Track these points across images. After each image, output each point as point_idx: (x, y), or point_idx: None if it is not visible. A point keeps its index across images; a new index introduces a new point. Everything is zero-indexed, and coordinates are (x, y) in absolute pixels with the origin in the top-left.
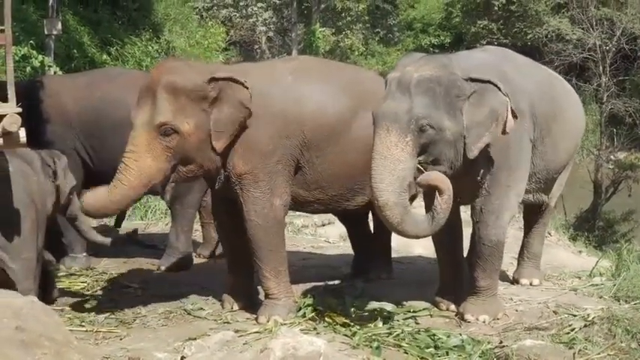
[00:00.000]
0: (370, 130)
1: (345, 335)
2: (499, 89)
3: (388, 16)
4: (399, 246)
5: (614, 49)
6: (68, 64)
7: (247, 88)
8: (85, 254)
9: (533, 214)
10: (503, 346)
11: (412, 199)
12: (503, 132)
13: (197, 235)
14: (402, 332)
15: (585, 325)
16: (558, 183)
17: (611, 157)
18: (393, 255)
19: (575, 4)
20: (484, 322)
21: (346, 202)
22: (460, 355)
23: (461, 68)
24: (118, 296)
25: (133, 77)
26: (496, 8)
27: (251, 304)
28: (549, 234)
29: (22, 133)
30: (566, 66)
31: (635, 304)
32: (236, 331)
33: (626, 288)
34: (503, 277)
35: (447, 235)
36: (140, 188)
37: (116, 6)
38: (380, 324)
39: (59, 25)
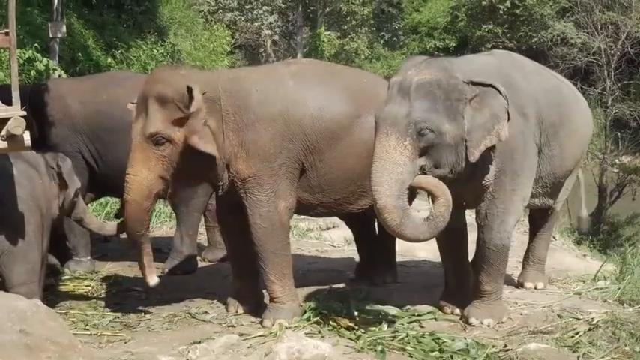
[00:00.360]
0: (371, 134)
1: (350, 339)
2: (500, 93)
3: (393, 20)
4: (404, 250)
5: (618, 53)
6: (73, 67)
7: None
8: (89, 258)
9: (539, 218)
10: (508, 350)
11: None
12: (504, 136)
13: (202, 238)
14: (407, 336)
15: (589, 329)
16: (565, 188)
17: (616, 160)
18: (398, 259)
19: (580, 8)
20: (489, 325)
21: (350, 205)
22: (465, 359)
23: (463, 72)
24: (122, 300)
25: (140, 81)
26: (501, 12)
27: (256, 307)
28: (554, 238)
29: (27, 136)
30: (571, 70)
31: (639, 307)
32: (241, 335)
33: (631, 292)
34: (508, 281)
35: (452, 239)
36: (144, 200)
37: (121, 9)
38: (384, 327)
39: (64, 28)
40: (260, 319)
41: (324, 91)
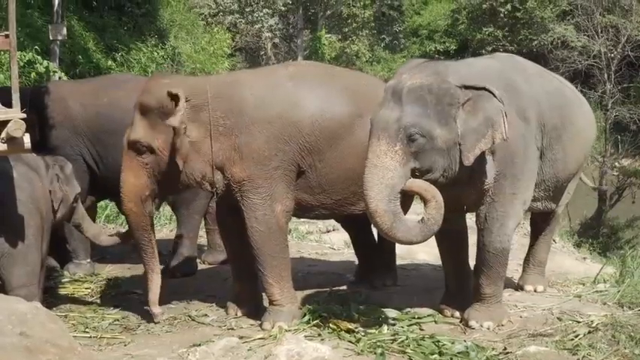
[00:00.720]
0: None
1: (350, 341)
2: (494, 96)
3: (394, 23)
4: (404, 252)
5: (619, 56)
6: (73, 69)
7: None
8: (89, 260)
9: (540, 221)
10: (508, 353)
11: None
12: (503, 139)
13: (202, 241)
14: (407, 338)
15: (589, 332)
16: (567, 191)
17: (616, 163)
18: (398, 261)
19: (580, 12)
20: (488, 328)
21: (351, 206)
22: None
23: (460, 75)
24: (122, 302)
25: (140, 83)
26: (502, 15)
27: (255, 310)
28: (554, 240)
29: (27, 139)
30: (571, 73)
31: (638, 310)
32: (240, 338)
33: (630, 294)
34: (508, 284)
35: (452, 242)
36: (135, 205)
37: (122, 12)
38: (384, 330)
39: (64, 31)
40: (260, 322)
41: (324, 92)
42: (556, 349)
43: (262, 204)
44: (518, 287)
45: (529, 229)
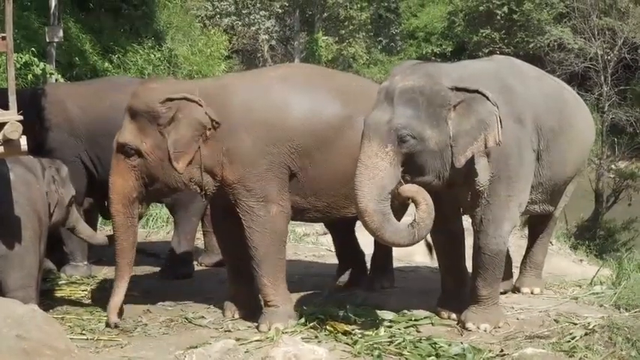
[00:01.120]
0: None
1: (347, 344)
2: (487, 98)
3: (391, 25)
4: (401, 255)
5: (615, 58)
6: (70, 71)
7: (202, 106)
8: (86, 262)
9: (538, 224)
10: (505, 355)
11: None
12: (497, 142)
13: (199, 243)
14: (404, 341)
15: (586, 334)
16: (565, 194)
17: (612, 166)
18: (395, 263)
19: (577, 14)
20: (485, 330)
21: (344, 209)
22: None
23: (454, 77)
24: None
25: None
26: (498, 17)
27: (252, 312)
28: (550, 243)
29: (24, 141)
30: (568, 75)
31: (635, 312)
32: (237, 340)
33: (627, 296)
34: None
35: (449, 244)
36: (123, 207)
37: (118, 13)
38: (381, 332)
39: (61, 33)
40: (257, 324)
41: (313, 94)
42: (553, 351)
43: (257, 205)
44: (515, 289)
45: (526, 231)
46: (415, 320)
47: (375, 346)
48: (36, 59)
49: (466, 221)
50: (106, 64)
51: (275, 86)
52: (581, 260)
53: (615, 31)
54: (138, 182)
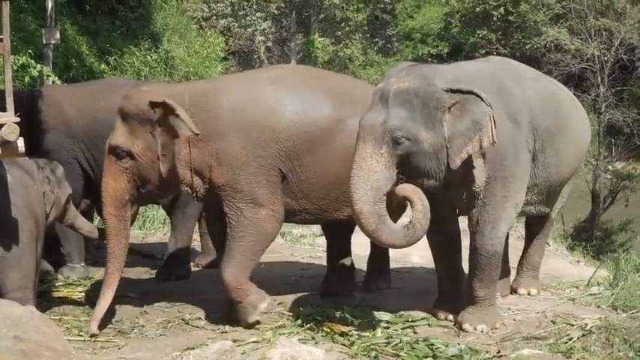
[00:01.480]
0: (355, 140)
1: (344, 345)
2: (481, 99)
3: (387, 26)
4: (398, 256)
5: (612, 59)
6: (67, 73)
7: (176, 115)
8: (83, 264)
9: (534, 225)
10: (501, 356)
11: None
12: (492, 142)
13: (195, 244)
14: (401, 342)
15: (583, 335)
16: (561, 195)
17: (609, 167)
18: (392, 264)
19: (573, 15)
20: (482, 331)
21: (336, 212)
22: None
23: (449, 79)
24: (116, 306)
25: None
26: (495, 18)
27: None
28: (547, 244)
29: (21, 143)
30: (565, 76)
31: (632, 313)
32: (234, 341)
33: (624, 297)
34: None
35: (445, 245)
36: (115, 209)
37: (115, 15)
38: (378, 333)
39: (57, 35)
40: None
41: (304, 95)
42: (550, 352)
43: (246, 207)
44: (512, 290)
45: (523, 232)
46: (412, 321)
47: (372, 347)
48: (33, 61)
49: (462, 222)
50: (103, 66)
51: (266, 88)
52: (578, 261)
53: (612, 31)
54: (130, 184)
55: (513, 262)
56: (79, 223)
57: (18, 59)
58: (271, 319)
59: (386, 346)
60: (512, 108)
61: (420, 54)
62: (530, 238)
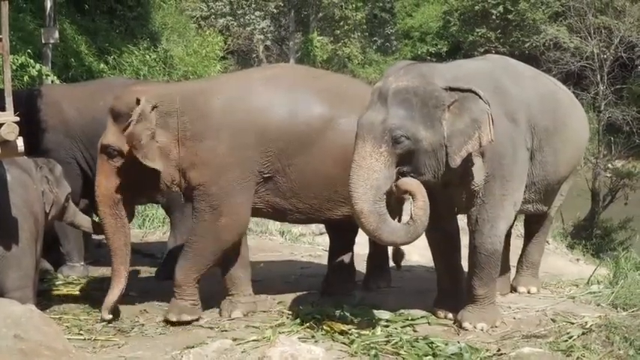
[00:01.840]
0: (348, 139)
1: (343, 343)
2: (480, 97)
3: (386, 25)
4: None
5: (611, 57)
6: (65, 73)
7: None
8: (82, 263)
9: (533, 223)
10: (501, 354)
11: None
12: (491, 140)
13: None
14: (400, 340)
15: (583, 333)
16: (560, 194)
17: (609, 165)
18: (391, 263)
19: (572, 13)
20: (482, 329)
21: (328, 211)
22: None
23: (447, 77)
24: (115, 304)
25: None
26: (494, 17)
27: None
28: (547, 242)
29: (20, 142)
30: (564, 74)
31: (632, 311)
32: (234, 340)
33: (624, 296)
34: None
35: (444, 244)
36: (109, 208)
37: (114, 15)
38: (378, 332)
39: (56, 34)
40: (253, 325)
41: (296, 95)
42: (550, 350)
43: (209, 212)
44: (512, 288)
45: (522, 230)
46: (412, 320)
47: (371, 345)
48: (32, 61)
49: (461, 221)
50: (102, 66)
51: (258, 88)
52: (577, 259)
53: (611, 29)
54: (122, 183)
55: (513, 261)
56: (79, 220)
57: (17, 59)
58: (271, 318)
59: (386, 345)
60: (510, 106)
61: (418, 53)
62: (529, 236)
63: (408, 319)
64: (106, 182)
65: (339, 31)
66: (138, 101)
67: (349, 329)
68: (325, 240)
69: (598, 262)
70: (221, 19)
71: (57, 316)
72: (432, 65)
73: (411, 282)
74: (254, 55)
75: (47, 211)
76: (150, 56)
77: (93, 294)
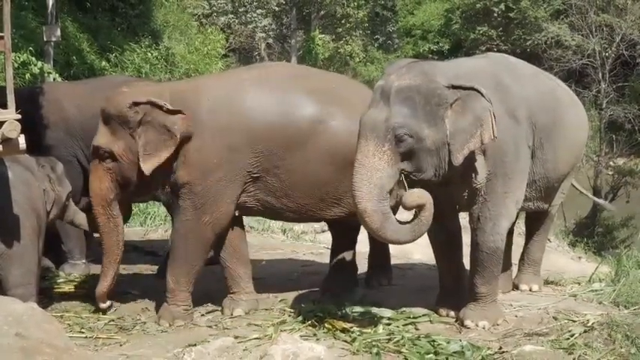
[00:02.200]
0: (338, 140)
1: (345, 341)
2: (482, 95)
3: (388, 23)
4: (399, 252)
5: (613, 55)
6: (67, 70)
7: (165, 111)
8: (84, 261)
9: (534, 221)
10: (503, 352)
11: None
12: (493, 138)
13: None
14: (402, 338)
15: (585, 331)
16: (560, 191)
17: (611, 163)
18: (393, 261)
19: (574, 11)
20: (484, 328)
21: (321, 211)
22: None
23: (449, 75)
24: (117, 302)
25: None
26: (495, 15)
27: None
28: (549, 240)
29: (22, 140)
30: (566, 72)
31: (634, 309)
32: (236, 338)
33: (626, 294)
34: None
35: (446, 242)
36: (102, 208)
37: (115, 13)
38: (380, 330)
39: (58, 32)
40: (255, 323)
41: (285, 95)
42: (552, 348)
43: (190, 208)
44: (514, 286)
45: (524, 228)
46: (413, 318)
47: (373, 343)
48: (34, 58)
49: (463, 219)
50: (104, 63)
51: (247, 88)
52: (579, 257)
53: (613, 27)
54: (113, 184)
55: (514, 258)
56: (79, 219)
57: (19, 57)
58: (273, 316)
59: (387, 343)
60: (511, 104)
61: (420, 50)
62: (530, 234)
63: (409, 317)
64: (99, 183)
65: (340, 29)
66: (133, 104)
67: (351, 327)
68: (327, 238)
69: (600, 260)
70: (223, 16)
71: (58, 314)
72: (434, 63)
73: (412, 280)
74: (256, 53)
75: (49, 209)
76: (152, 54)
77: (94, 292)
